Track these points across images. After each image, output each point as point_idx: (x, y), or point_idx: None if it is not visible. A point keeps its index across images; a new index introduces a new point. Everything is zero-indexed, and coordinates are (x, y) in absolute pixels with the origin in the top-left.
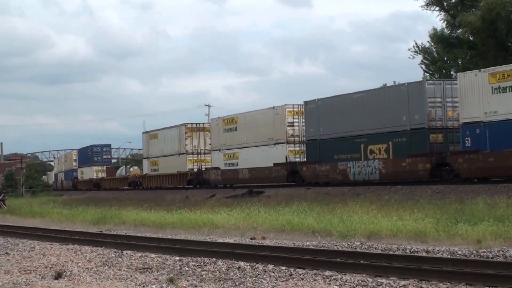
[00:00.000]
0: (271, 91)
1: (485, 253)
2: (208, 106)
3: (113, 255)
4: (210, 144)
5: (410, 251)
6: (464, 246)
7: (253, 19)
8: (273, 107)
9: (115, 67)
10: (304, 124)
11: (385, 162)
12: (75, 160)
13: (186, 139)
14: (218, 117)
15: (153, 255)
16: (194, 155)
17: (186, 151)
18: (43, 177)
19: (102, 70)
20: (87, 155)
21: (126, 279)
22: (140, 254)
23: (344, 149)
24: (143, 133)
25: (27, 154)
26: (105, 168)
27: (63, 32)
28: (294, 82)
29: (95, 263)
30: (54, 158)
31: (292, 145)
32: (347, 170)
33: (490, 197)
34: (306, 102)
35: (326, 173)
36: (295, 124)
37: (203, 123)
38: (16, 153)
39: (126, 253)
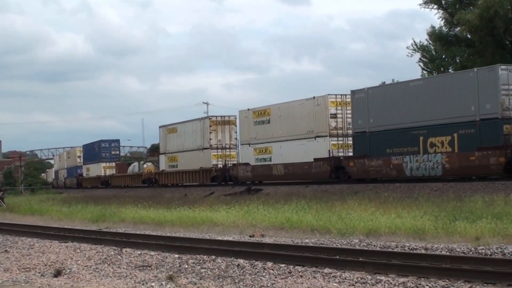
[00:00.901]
0: (269, 88)
1: (483, 250)
2: (207, 104)
3: (112, 252)
4: (236, 138)
5: (409, 248)
6: (462, 243)
7: (252, 17)
8: (314, 97)
9: (114, 65)
10: (349, 115)
11: (450, 156)
12: (79, 157)
13: (210, 132)
14: (248, 109)
15: (152, 253)
16: (219, 150)
17: (210, 145)
18: (42, 174)
19: (101, 68)
20: (94, 151)
21: (126, 276)
22: (139, 252)
23: (399, 142)
24: (159, 127)
25: (26, 151)
26: (114, 165)
27: (62, 30)
28: (292, 80)
29: (94, 261)
30: (53, 155)
31: (335, 138)
32: (402, 165)
33: (488, 195)
34: (353, 92)
35: (377, 169)
36: (338, 115)
37: (229, 116)
38: (15, 151)
39: (126, 251)
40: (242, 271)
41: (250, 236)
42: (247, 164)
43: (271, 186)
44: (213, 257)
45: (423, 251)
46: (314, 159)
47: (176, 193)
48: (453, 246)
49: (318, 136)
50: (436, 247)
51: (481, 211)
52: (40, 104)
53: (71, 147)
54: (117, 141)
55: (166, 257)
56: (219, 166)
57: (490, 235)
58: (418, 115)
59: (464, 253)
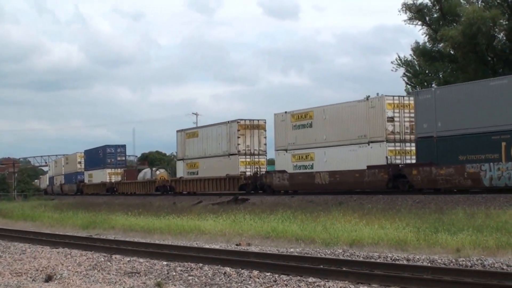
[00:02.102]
0: (257, 100)
1: (464, 262)
2: (196, 114)
3: (102, 259)
4: (265, 144)
5: (391, 259)
6: (443, 255)
7: (241, 30)
8: (367, 98)
9: (106, 75)
10: (407, 118)
11: None
12: (79, 163)
13: (238, 137)
14: (286, 112)
15: (141, 260)
16: (247, 156)
17: (238, 151)
18: (35, 181)
19: (93, 77)
20: (98, 157)
21: (115, 283)
22: (128, 259)
23: (476, 148)
24: (177, 131)
25: (19, 158)
26: (120, 171)
27: (57, 40)
28: (279, 92)
29: (84, 267)
30: (46, 162)
31: (392, 143)
32: (480, 174)
33: (469, 207)
34: (417, 92)
35: (448, 178)
36: (395, 119)
37: (258, 120)
38: (8, 158)
39: (115, 257)
40: (228, 279)
41: (237, 245)
42: (283, 171)
43: (257, 196)
44: (201, 264)
45: (405, 262)
46: (367, 166)
47: (166, 201)
48: (435, 257)
49: (372, 141)
50: (418, 258)
51: (462, 224)
52: (34, 112)
53: (63, 155)
54: (123, 146)
55: (155, 264)
56: (247, 173)
57: (470, 247)
58: (500, 119)
59: (445, 264)
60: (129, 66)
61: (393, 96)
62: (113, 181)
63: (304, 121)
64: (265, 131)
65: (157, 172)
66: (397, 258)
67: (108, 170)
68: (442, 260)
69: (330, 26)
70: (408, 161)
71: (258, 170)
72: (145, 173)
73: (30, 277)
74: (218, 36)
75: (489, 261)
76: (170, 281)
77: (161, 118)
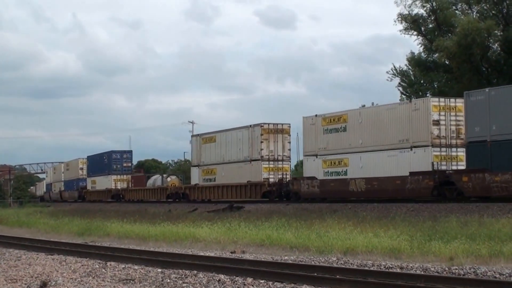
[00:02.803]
0: (253, 109)
1: (457, 270)
2: (192, 123)
3: (97, 266)
4: (289, 149)
5: (384, 267)
6: (436, 263)
7: (238, 39)
8: (410, 100)
9: (103, 83)
10: (454, 122)
11: None
12: (81, 169)
13: (261, 142)
14: (316, 115)
15: (136, 267)
16: (271, 162)
17: (262, 157)
18: (31, 188)
19: (90, 86)
20: (103, 163)
21: None
22: (123, 266)
23: None
24: (192, 136)
25: (15, 165)
26: (126, 177)
27: (54, 48)
28: (276, 101)
29: (79, 274)
30: (42, 170)
31: (438, 148)
32: None
33: (463, 216)
34: (468, 94)
35: (504, 185)
36: (441, 122)
37: (282, 124)
38: (4, 165)
39: (110, 264)
40: (223, 286)
41: (231, 252)
42: (312, 178)
43: (252, 204)
44: (195, 272)
45: (398, 270)
46: (410, 173)
47: (161, 208)
48: (428, 265)
49: (415, 146)
50: (411, 267)
51: (456, 232)
52: (30, 120)
53: (60, 162)
54: (130, 152)
55: (149, 271)
56: (271, 180)
57: (463, 256)
58: None
59: (438, 272)
60: (126, 75)
61: (439, 98)
62: (119, 187)
63: (337, 124)
64: (290, 135)
65: (168, 179)
66: (391, 266)
67: (114, 177)
68: (435, 268)
69: (326, 36)
70: (454, 167)
71: (283, 176)
72: (155, 180)
73: (25, 284)
74: (215, 45)
75: (482, 269)
76: None
77: (157, 126)
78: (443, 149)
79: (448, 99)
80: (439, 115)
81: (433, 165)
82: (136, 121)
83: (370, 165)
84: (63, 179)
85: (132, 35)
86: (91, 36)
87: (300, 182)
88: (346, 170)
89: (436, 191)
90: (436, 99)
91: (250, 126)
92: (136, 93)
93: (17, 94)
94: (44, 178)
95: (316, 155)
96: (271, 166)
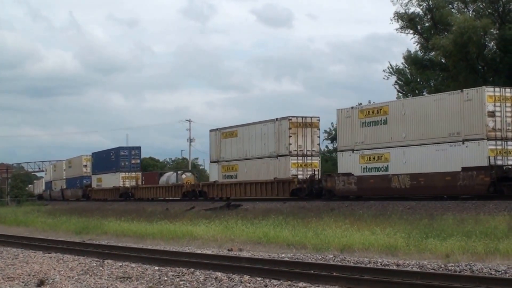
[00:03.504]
0: (250, 107)
1: (453, 267)
2: (189, 121)
3: (94, 264)
4: (318, 144)
5: (381, 264)
6: (433, 260)
7: (235, 38)
8: (462, 90)
9: (100, 82)
10: (510, 113)
11: None
12: (85, 166)
13: (289, 136)
14: (352, 107)
15: (133, 265)
16: (299, 158)
17: (290, 152)
18: (29, 186)
19: (87, 84)
20: (110, 160)
21: (107, 287)
22: (120, 264)
23: None
24: (210, 131)
25: (13, 164)
26: (135, 175)
27: (51, 46)
28: (272, 99)
29: (76, 272)
30: (39, 168)
31: (493, 142)
32: None
33: (459, 214)
34: None
35: None
36: (497, 113)
37: (311, 117)
38: (2, 163)
39: (107, 262)
40: (219, 284)
41: (228, 250)
42: (348, 174)
43: (250, 202)
44: (192, 269)
45: (394, 267)
46: (462, 168)
47: (158, 206)
48: (424, 262)
49: (467, 140)
50: (408, 264)
51: (452, 229)
52: (27, 118)
53: (57, 160)
54: (138, 148)
55: (147, 269)
56: (299, 176)
57: (459, 253)
58: None
59: (434, 269)
60: (123, 73)
61: (494, 87)
62: (127, 185)
63: (376, 117)
64: (319, 129)
65: (183, 176)
66: (387, 263)
67: (122, 174)
68: (431, 265)
69: (323, 35)
70: (511, 162)
71: (314, 173)
72: (169, 177)
73: (22, 282)
74: (213, 44)
75: (478, 266)
76: (161, 286)
77: (154, 125)
78: (499, 142)
79: (503, 89)
80: (494, 106)
81: (489, 159)
82: (133, 119)
83: (415, 160)
84: (65, 177)
85: (129, 34)
86: (88, 34)
87: (335, 178)
88: (387, 165)
89: (493, 187)
90: (491, 88)
91: (277, 119)
92: (133, 92)
93: (14, 93)
94: (42, 177)
95: (353, 150)
96: (300, 162)
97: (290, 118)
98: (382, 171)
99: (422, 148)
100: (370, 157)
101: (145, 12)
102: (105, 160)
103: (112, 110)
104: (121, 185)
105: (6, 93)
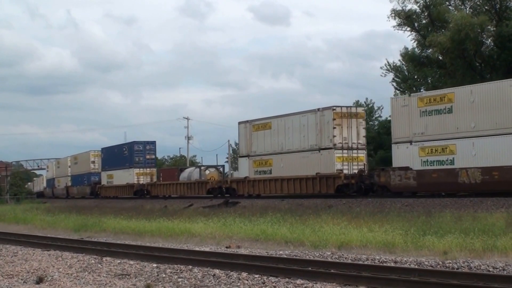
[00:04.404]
0: (247, 104)
1: (450, 264)
2: (187, 119)
3: (93, 261)
4: (364, 136)
5: (379, 261)
6: (430, 257)
7: (233, 35)
8: None
9: (98, 79)
10: None
11: None
12: (93, 162)
13: (334, 128)
14: (410, 94)
15: (131, 262)
16: (344, 151)
17: (334, 144)
18: (29, 183)
19: (86, 82)
20: (122, 155)
21: (105, 284)
22: (119, 261)
23: None
24: (239, 123)
25: (12, 162)
26: (150, 171)
27: (49, 45)
28: (270, 97)
29: (75, 269)
30: (38, 166)
31: None
32: None
33: (457, 211)
34: None
35: None
36: None
37: (356, 107)
38: (1, 161)
39: (106, 260)
40: (217, 281)
41: (226, 247)
42: (406, 168)
43: (248, 200)
44: (190, 267)
45: (392, 264)
46: None
47: (157, 204)
48: (422, 259)
49: None
50: (405, 261)
51: (450, 226)
52: (25, 117)
53: (56, 158)
54: (153, 143)
55: (145, 266)
56: (345, 171)
57: (457, 250)
58: None
59: (432, 266)
60: (121, 71)
61: None
62: (142, 182)
63: (439, 105)
64: (364, 120)
65: (207, 172)
66: (385, 260)
67: (136, 170)
68: (429, 262)
69: (320, 32)
70: None
71: (364, 167)
72: (191, 173)
73: (21, 279)
74: (209, 41)
75: (476, 263)
76: (160, 283)
77: (152, 123)
78: None
79: None
80: None
81: None
82: (131, 117)
83: (487, 152)
84: (70, 174)
85: (127, 32)
86: (86, 32)
87: (390, 173)
88: (453, 158)
89: None
90: None
91: (318, 109)
92: (131, 90)
93: (12, 91)
94: (41, 174)
95: (410, 142)
96: (345, 155)
97: (334, 108)
98: (447, 164)
99: (495, 139)
100: (432, 149)
101: (142, 10)
102: (117, 156)
103: (110, 108)
104: (135, 182)
105: (4, 91)
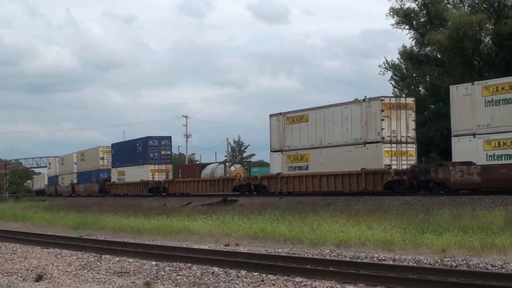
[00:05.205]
0: (246, 103)
1: (449, 262)
2: (186, 117)
3: (92, 259)
4: (414, 129)
5: (377, 259)
6: (429, 255)
7: (232, 34)
8: None
9: (98, 78)
10: None
11: None
12: (102, 158)
13: (382, 120)
14: (473, 83)
15: (130, 260)
16: (393, 145)
17: (382, 138)
18: (28, 181)
19: (85, 81)
20: (135, 151)
21: (104, 282)
22: (118, 259)
23: None
24: (271, 116)
25: (11, 160)
26: (165, 167)
27: (49, 43)
28: (269, 95)
29: (74, 267)
30: (37, 164)
31: None
32: None
33: (455, 208)
34: None
35: None
36: None
37: (405, 98)
38: (0, 160)
39: (105, 257)
40: (216, 278)
41: (225, 245)
42: (468, 163)
43: (246, 198)
44: (189, 264)
45: (391, 262)
46: None
47: (155, 202)
48: (420, 257)
49: None
50: (404, 259)
51: (448, 224)
52: (25, 115)
53: (55, 156)
54: (169, 138)
55: (144, 264)
56: (394, 166)
57: (456, 248)
58: None
59: (430, 264)
60: (120, 70)
61: None
62: (157, 179)
63: (508, 94)
64: (414, 112)
65: (232, 168)
66: (384, 258)
67: (151, 166)
68: (427, 260)
69: (319, 30)
70: None
71: (417, 162)
72: (214, 169)
73: (21, 277)
74: (208, 40)
75: (474, 261)
76: (159, 281)
77: (151, 121)
78: None
79: None
80: None
81: None
82: (130, 115)
83: None
84: (75, 171)
85: (126, 30)
86: (86, 31)
87: (449, 168)
88: None
89: None
90: None
91: (364, 100)
92: (130, 88)
93: (12, 89)
94: (40, 173)
95: (474, 134)
96: (393, 149)
97: (382, 98)
98: None
99: None
100: (499, 142)
101: (141, 8)
102: (129, 152)
103: (109, 106)
104: (150, 179)
105: (3, 90)
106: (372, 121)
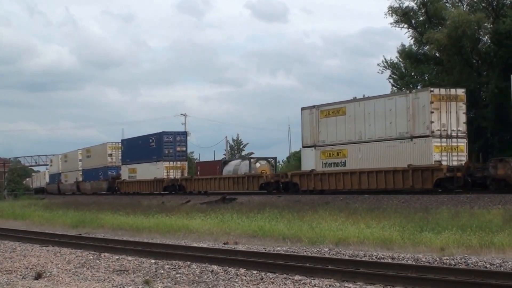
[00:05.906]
0: (245, 101)
1: (448, 260)
2: (185, 115)
3: (91, 257)
4: (464, 123)
5: (376, 257)
6: (428, 254)
7: (230, 33)
8: None
9: (96, 77)
10: None
11: None
12: (110, 155)
13: (431, 112)
14: None
15: (129, 258)
16: (443, 140)
17: (432, 132)
18: (27, 179)
19: (84, 79)
20: (148, 147)
21: (104, 280)
22: (117, 257)
23: None
24: (302, 109)
25: (10, 158)
26: (181, 164)
27: (48, 42)
28: (267, 94)
29: (74, 265)
30: (36, 162)
31: None
32: None
33: (454, 207)
34: None
35: None
36: None
37: (455, 89)
38: None
39: (104, 256)
40: (215, 276)
41: (224, 243)
42: None
43: (245, 196)
44: (188, 263)
45: (390, 260)
46: None
47: (154, 200)
48: (419, 256)
49: None
50: (403, 257)
51: (447, 223)
52: (24, 113)
53: (54, 155)
54: (184, 134)
55: (143, 262)
56: (444, 162)
57: (454, 246)
58: None
59: (429, 262)
60: (119, 68)
61: None
62: (173, 177)
63: None
64: (465, 104)
65: (257, 165)
66: (382, 256)
67: (166, 164)
68: (426, 258)
69: (318, 29)
70: None
71: (472, 157)
72: (238, 166)
73: (20, 275)
74: (207, 38)
75: (473, 259)
76: (158, 279)
77: (149, 119)
78: None
79: None
80: None
81: None
82: (128, 114)
83: None
84: (81, 168)
85: (125, 29)
86: (85, 29)
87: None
88: None
89: None
90: None
91: (411, 91)
92: (129, 86)
93: (11, 88)
94: (39, 171)
95: None
96: (444, 144)
97: (432, 89)
98: None
99: None
100: None
101: (140, 7)
102: (142, 148)
103: (108, 105)
104: (165, 177)
105: (2, 88)
106: (420, 114)
